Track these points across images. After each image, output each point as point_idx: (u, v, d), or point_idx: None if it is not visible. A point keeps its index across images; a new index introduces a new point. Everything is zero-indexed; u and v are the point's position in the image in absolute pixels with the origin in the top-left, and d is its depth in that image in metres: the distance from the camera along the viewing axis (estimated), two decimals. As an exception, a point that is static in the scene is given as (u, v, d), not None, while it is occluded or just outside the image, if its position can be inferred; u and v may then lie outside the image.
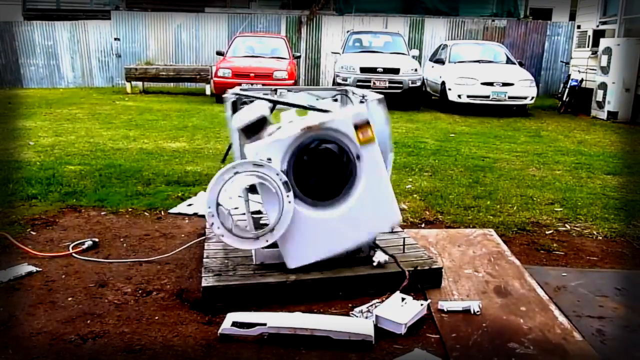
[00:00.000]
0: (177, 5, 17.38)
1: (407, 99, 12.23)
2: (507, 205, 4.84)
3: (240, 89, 3.27)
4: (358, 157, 2.98)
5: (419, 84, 12.36)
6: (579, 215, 4.64)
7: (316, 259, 2.96)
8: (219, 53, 13.93)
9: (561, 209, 4.80)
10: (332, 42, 16.68)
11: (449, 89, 11.93)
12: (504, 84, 11.67)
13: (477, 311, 2.80)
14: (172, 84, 15.58)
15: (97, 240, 3.70)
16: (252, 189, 2.96)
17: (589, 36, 12.63)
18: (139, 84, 14.60)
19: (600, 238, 4.13)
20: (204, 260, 3.11)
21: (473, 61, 12.81)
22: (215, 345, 2.49)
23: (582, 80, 12.54)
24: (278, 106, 3.24)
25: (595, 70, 11.94)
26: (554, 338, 2.60)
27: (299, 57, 15.45)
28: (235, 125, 3.01)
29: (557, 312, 2.85)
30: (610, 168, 6.62)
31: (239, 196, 3.08)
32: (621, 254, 3.84)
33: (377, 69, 12.08)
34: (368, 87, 11.62)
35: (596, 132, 9.65)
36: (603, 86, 11.44)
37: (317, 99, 3.45)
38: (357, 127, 2.96)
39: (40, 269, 3.24)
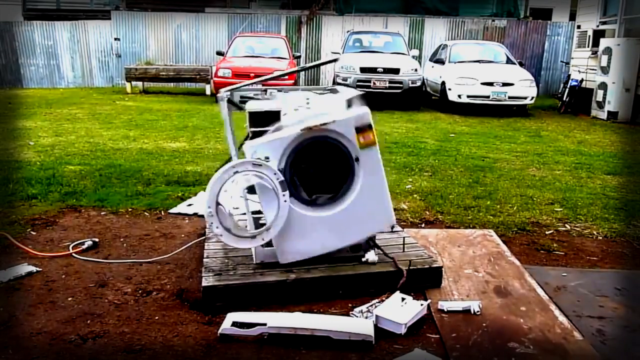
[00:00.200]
0: (177, 5, 17.39)
1: (407, 99, 12.24)
2: (507, 205, 4.84)
3: (231, 88, 3.25)
4: (357, 159, 2.99)
5: (419, 84, 12.36)
6: (579, 215, 4.64)
7: (308, 256, 2.99)
8: (219, 53, 13.93)
9: (561, 209, 4.80)
10: (332, 42, 16.68)
11: (449, 89, 11.93)
12: (504, 84, 11.67)
13: (477, 311, 2.80)
14: (172, 84, 15.58)
15: (97, 240, 3.70)
16: (252, 189, 2.96)
17: (589, 36, 12.63)
18: (139, 84, 14.60)
19: (601, 238, 4.13)
20: (204, 260, 3.11)
21: (473, 61, 12.81)
22: (215, 345, 2.49)
23: (582, 80, 12.54)
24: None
25: (595, 70, 11.94)
26: (554, 338, 2.60)
27: (299, 57, 15.45)
28: (249, 107, 3.01)
29: (557, 312, 2.85)
30: (610, 168, 6.62)
31: (240, 196, 3.08)
32: (621, 254, 3.84)
33: (377, 69, 12.08)
34: (368, 87, 11.63)
35: (596, 132, 9.65)
36: (603, 86, 11.44)
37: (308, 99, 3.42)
38: (359, 130, 2.97)
39: (40, 269, 3.24)
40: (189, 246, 3.60)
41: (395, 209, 3.49)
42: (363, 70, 12.09)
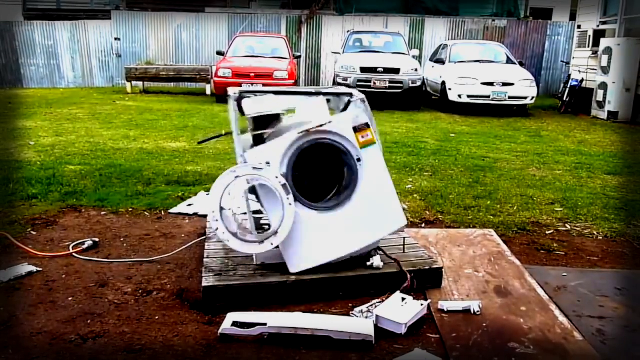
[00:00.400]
0: (178, 5, 17.39)
1: (408, 99, 12.23)
2: (508, 205, 4.84)
3: (242, 90, 3.26)
4: (359, 159, 2.98)
5: (419, 84, 12.36)
6: (579, 215, 4.64)
7: (318, 263, 2.95)
8: (219, 53, 13.93)
9: (561, 209, 4.80)
10: (332, 42, 16.68)
11: (449, 89, 11.92)
12: (505, 84, 11.67)
13: (478, 311, 2.80)
14: (172, 84, 15.58)
15: (97, 240, 3.71)
16: (252, 189, 2.96)
17: (590, 36, 12.63)
18: (140, 83, 14.60)
19: (601, 238, 4.13)
20: (205, 260, 3.11)
21: (473, 61, 12.81)
22: (215, 345, 2.49)
23: (582, 80, 12.54)
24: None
25: (595, 70, 11.94)
26: (555, 338, 2.60)
27: (299, 57, 15.45)
28: (247, 112, 3.00)
29: (557, 312, 2.85)
30: (610, 168, 6.62)
31: (242, 196, 3.08)
32: (621, 254, 3.84)
33: (378, 69, 12.08)
34: (368, 87, 11.63)
35: (596, 132, 9.65)
36: (603, 86, 11.44)
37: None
38: (357, 129, 2.97)
39: (41, 269, 3.24)
40: (189, 246, 3.60)
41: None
42: (363, 70, 12.09)
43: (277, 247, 2.90)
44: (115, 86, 16.34)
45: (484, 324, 2.70)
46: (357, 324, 2.63)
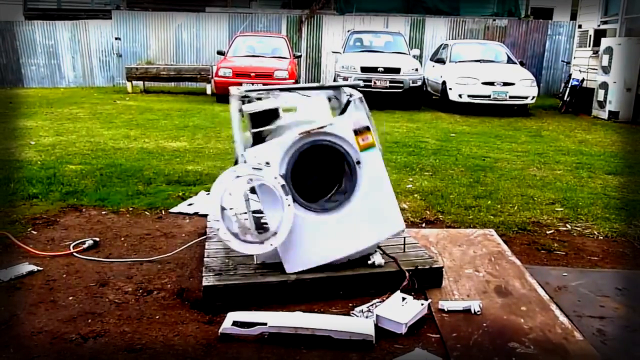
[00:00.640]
0: (178, 5, 17.39)
1: (408, 99, 12.23)
2: (508, 205, 4.83)
3: (246, 89, 3.26)
4: (358, 162, 2.98)
5: (419, 83, 12.35)
6: (579, 215, 4.64)
7: (314, 265, 2.95)
8: (219, 53, 13.93)
9: (562, 209, 4.79)
10: (332, 41, 16.68)
11: (450, 89, 11.92)
12: (505, 84, 11.66)
13: (478, 311, 2.80)
14: (172, 83, 15.58)
15: (97, 239, 3.71)
16: (252, 190, 2.96)
17: (590, 36, 12.62)
18: (140, 83, 14.60)
19: (601, 238, 4.13)
20: (205, 259, 3.11)
21: (474, 61, 12.80)
22: (215, 344, 2.49)
23: (583, 80, 12.53)
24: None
25: (596, 69, 11.93)
26: (555, 338, 2.60)
27: (300, 56, 15.44)
28: (247, 108, 3.01)
29: (557, 312, 2.85)
30: (611, 168, 6.62)
31: (242, 196, 3.08)
32: (622, 254, 3.84)
33: (378, 69, 12.08)
34: (369, 86, 11.62)
35: (597, 132, 9.64)
36: (604, 86, 11.43)
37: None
38: (357, 132, 2.97)
39: (41, 268, 3.24)
40: (190, 245, 3.60)
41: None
42: (364, 69, 12.08)
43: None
44: (116, 86, 16.34)
45: (485, 324, 2.70)
46: (358, 323, 2.63)
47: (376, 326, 2.60)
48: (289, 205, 2.82)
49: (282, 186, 2.82)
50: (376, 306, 2.75)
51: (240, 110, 3.07)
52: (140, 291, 3.00)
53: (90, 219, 4.21)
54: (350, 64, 12.32)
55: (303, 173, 2.96)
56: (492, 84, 11.64)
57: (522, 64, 12.93)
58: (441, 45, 14.50)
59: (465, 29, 17.00)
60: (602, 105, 11.52)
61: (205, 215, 4.10)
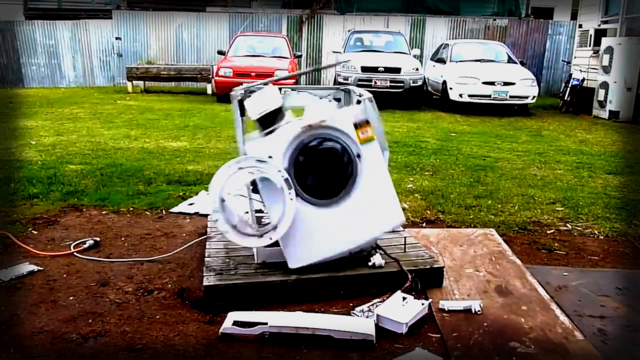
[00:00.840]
0: (178, 5, 17.39)
1: (408, 99, 12.23)
2: (508, 205, 4.83)
3: (246, 87, 3.25)
4: (358, 156, 2.99)
5: (420, 83, 12.35)
6: (580, 214, 4.64)
7: (318, 260, 2.95)
8: (220, 52, 13.93)
9: (562, 209, 4.79)
10: (333, 41, 16.68)
11: (450, 88, 11.92)
12: (506, 83, 11.66)
13: (478, 310, 2.80)
14: (173, 83, 15.58)
15: (98, 239, 3.71)
16: (254, 188, 2.96)
17: (591, 35, 12.62)
18: (140, 83, 14.61)
19: (602, 237, 4.13)
20: (206, 259, 3.11)
21: (474, 60, 12.80)
22: (216, 344, 2.49)
23: (583, 80, 12.53)
24: (287, 102, 3.24)
25: (596, 69, 11.93)
26: (555, 337, 2.60)
27: (300, 56, 15.45)
28: (251, 115, 3.01)
29: (558, 312, 2.84)
30: (611, 167, 6.62)
31: (241, 194, 3.08)
32: (622, 254, 3.84)
33: (379, 69, 12.08)
34: (369, 86, 11.62)
35: (598, 132, 9.64)
36: (605, 85, 11.43)
37: (321, 98, 3.44)
38: (357, 126, 2.97)
39: (42, 268, 3.24)
40: (190, 245, 3.60)
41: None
42: (364, 69, 12.08)
43: (277, 243, 2.89)
44: (116, 85, 16.34)
45: (485, 324, 2.70)
46: (358, 323, 2.63)
47: (377, 326, 2.60)
48: (291, 199, 2.82)
49: (286, 180, 2.81)
50: (377, 306, 2.75)
51: (242, 108, 3.07)
52: (141, 291, 3.00)
53: (91, 219, 4.21)
54: (350, 64, 12.31)
55: (304, 167, 2.95)
56: (492, 83, 11.63)
57: (522, 63, 12.92)
58: (442, 45, 14.50)
59: (466, 29, 17.00)
60: (602, 104, 11.52)
61: (206, 215, 4.10)
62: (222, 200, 2.76)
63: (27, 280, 3.09)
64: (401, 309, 2.68)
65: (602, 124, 10.78)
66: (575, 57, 13.81)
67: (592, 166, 6.62)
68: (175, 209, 4.46)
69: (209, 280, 2.84)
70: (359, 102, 3.20)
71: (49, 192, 4.79)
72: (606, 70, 11.43)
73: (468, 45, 13.97)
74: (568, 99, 12.69)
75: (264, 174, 2.80)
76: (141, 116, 9.88)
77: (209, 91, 14.25)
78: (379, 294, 2.90)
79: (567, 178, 5.96)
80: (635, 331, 2.74)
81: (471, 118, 11.02)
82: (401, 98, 12.12)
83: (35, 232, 3.89)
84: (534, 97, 11.81)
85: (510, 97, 11.68)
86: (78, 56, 16.71)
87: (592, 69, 12.27)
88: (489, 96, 11.62)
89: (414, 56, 13.23)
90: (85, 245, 3.58)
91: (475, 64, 12.59)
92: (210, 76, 14.13)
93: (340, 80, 11.96)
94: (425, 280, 3.06)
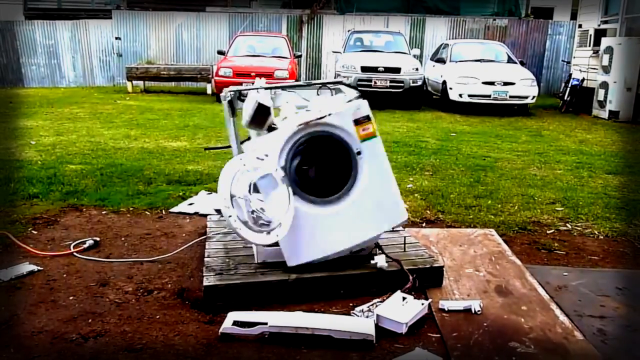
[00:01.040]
0: (178, 5, 17.39)
1: (408, 98, 12.23)
2: (508, 205, 4.83)
3: (235, 89, 3.23)
4: (359, 152, 2.96)
5: (420, 83, 12.35)
6: (580, 214, 4.64)
7: (316, 258, 2.94)
8: (220, 52, 13.92)
9: (562, 209, 4.79)
10: (333, 41, 16.68)
11: (450, 88, 11.92)
12: (505, 83, 11.65)
13: (478, 310, 2.80)
14: (173, 83, 15.58)
15: (98, 239, 3.71)
16: (254, 186, 2.95)
17: (591, 35, 12.62)
18: (140, 83, 14.61)
19: (602, 237, 4.13)
20: (206, 259, 3.11)
21: (474, 60, 12.80)
22: (216, 344, 2.49)
23: (583, 80, 12.53)
24: (277, 102, 3.23)
25: (596, 69, 11.93)
26: (555, 337, 2.60)
27: (300, 56, 15.44)
28: (243, 124, 3.00)
29: (558, 312, 2.85)
30: (611, 167, 6.62)
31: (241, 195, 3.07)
32: (622, 254, 3.84)
33: (378, 69, 12.08)
34: (369, 86, 11.63)
35: (597, 132, 9.64)
36: (604, 85, 11.43)
37: (318, 94, 3.40)
38: (357, 122, 2.94)
39: (42, 268, 3.24)
40: (190, 245, 3.60)
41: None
42: (364, 69, 12.08)
43: (276, 242, 2.88)
44: (116, 85, 16.35)
45: (485, 324, 2.70)
46: (358, 323, 2.63)
47: (377, 326, 2.60)
48: (289, 197, 2.81)
49: (282, 178, 2.80)
50: (377, 306, 2.75)
51: (233, 109, 3.07)
52: (141, 291, 3.00)
53: (91, 219, 4.21)
54: (350, 64, 12.32)
55: (303, 164, 2.93)
56: (492, 83, 11.63)
57: (522, 63, 12.92)
58: (441, 44, 14.50)
59: (466, 29, 17.00)
60: (602, 104, 11.52)
61: (206, 215, 4.10)
62: (232, 197, 2.72)
63: (27, 280, 3.09)
64: (401, 309, 2.68)
65: (602, 124, 10.78)
66: (575, 57, 13.81)
67: (592, 166, 6.62)
68: (175, 209, 4.46)
69: (209, 280, 2.84)
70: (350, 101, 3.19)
71: (48, 192, 4.79)
72: (606, 70, 11.43)
73: (468, 45, 13.97)
74: (568, 99, 12.69)
75: (263, 172, 2.79)
76: (141, 116, 9.88)
77: (209, 91, 14.24)
78: (379, 294, 2.90)
79: (567, 178, 5.96)
80: (635, 331, 2.75)
81: (471, 118, 11.02)
82: (401, 98, 12.12)
83: (35, 232, 3.89)
84: (533, 97, 11.81)
85: (510, 97, 11.68)
86: (78, 56, 16.71)
87: (592, 69, 12.27)
88: (489, 96, 11.62)
89: (414, 56, 13.22)
90: (85, 245, 3.58)
91: (475, 64, 12.59)
92: (210, 76, 14.12)
93: (341, 80, 11.94)
94: (425, 280, 3.06)
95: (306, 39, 17.02)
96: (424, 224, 4.28)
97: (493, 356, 2.44)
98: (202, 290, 2.82)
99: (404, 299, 2.78)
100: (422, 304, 2.76)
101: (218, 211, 3.65)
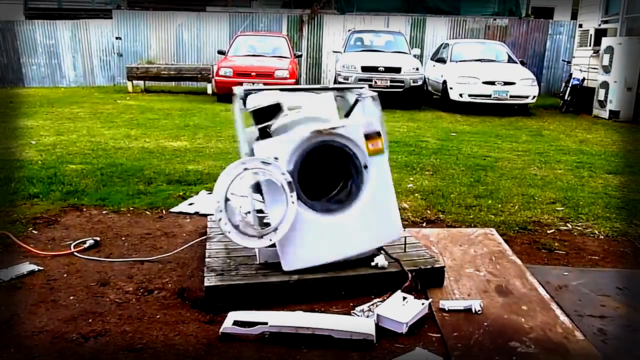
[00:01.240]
0: (179, 5, 17.40)
1: (409, 98, 12.23)
2: (509, 205, 4.83)
3: (249, 89, 3.26)
4: (365, 166, 2.98)
5: (420, 83, 12.35)
6: (580, 214, 4.64)
7: (311, 265, 2.94)
8: (220, 52, 13.93)
9: (562, 208, 4.79)
10: (333, 41, 16.68)
11: (451, 88, 11.92)
12: (506, 83, 11.66)
13: (479, 310, 2.80)
14: (173, 83, 15.58)
15: (98, 239, 3.71)
16: (257, 189, 2.96)
17: (591, 35, 12.61)
18: (141, 83, 14.61)
19: (602, 237, 4.13)
20: (206, 259, 3.10)
21: (474, 60, 12.80)
22: (216, 344, 2.49)
23: (583, 79, 12.53)
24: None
25: (597, 69, 11.93)
26: (556, 337, 2.60)
27: (300, 56, 15.44)
28: (249, 105, 3.01)
29: (558, 312, 2.84)
30: (611, 167, 6.62)
31: (243, 195, 3.08)
32: (623, 253, 3.84)
33: (379, 68, 12.08)
34: (369, 86, 11.59)
35: (598, 131, 9.64)
36: (605, 85, 11.43)
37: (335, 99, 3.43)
38: (368, 137, 2.97)
39: (42, 268, 3.24)
40: (191, 245, 3.60)
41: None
42: (364, 69, 12.08)
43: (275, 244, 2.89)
44: (117, 85, 16.35)
45: (485, 323, 2.70)
46: (358, 323, 2.63)
47: (377, 326, 2.60)
48: (292, 202, 2.81)
49: (289, 183, 2.81)
50: (377, 306, 2.75)
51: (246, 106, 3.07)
52: (141, 291, 3.00)
53: (91, 219, 4.21)
54: (351, 64, 12.32)
55: (309, 171, 2.95)
56: (492, 83, 11.63)
57: (522, 63, 12.92)
58: (442, 44, 14.50)
59: (466, 29, 17.00)
60: (602, 104, 11.52)
61: (206, 215, 4.10)
62: (226, 200, 2.75)
63: (27, 280, 3.09)
64: (401, 309, 2.68)
65: (603, 123, 10.78)
66: (575, 57, 13.81)
67: (592, 166, 6.62)
68: (175, 209, 4.46)
69: (210, 280, 2.84)
70: (357, 101, 3.20)
71: (49, 192, 4.79)
72: (606, 70, 11.43)
73: (468, 45, 13.97)
74: (568, 98, 12.69)
75: (268, 176, 2.79)
76: (141, 116, 9.88)
77: (209, 91, 14.25)
78: (380, 294, 2.90)
79: (567, 178, 5.95)
80: (635, 331, 2.74)
81: (471, 118, 11.02)
82: (401, 98, 12.12)
83: (36, 232, 3.89)
84: (534, 96, 11.81)
85: (511, 96, 11.68)
86: (78, 56, 16.72)
87: (593, 68, 12.27)
88: (489, 96, 11.62)
89: (414, 56, 13.23)
90: (86, 245, 3.58)
91: (476, 63, 12.59)
92: (211, 76, 14.12)
93: (341, 80, 11.96)
94: (426, 280, 3.06)
95: (306, 39, 17.02)
96: (424, 224, 4.28)
97: (493, 356, 2.44)
98: (203, 290, 2.82)
99: (404, 298, 2.78)
100: (423, 303, 2.76)
101: None
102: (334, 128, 2.91)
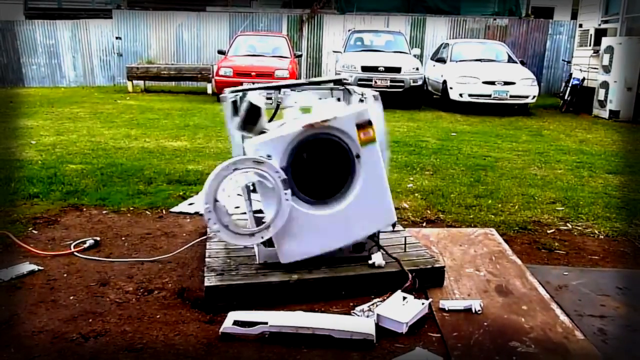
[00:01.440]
0: (179, 4, 17.41)
1: (409, 98, 12.23)
2: (509, 205, 4.83)
3: (236, 90, 3.25)
4: (358, 156, 2.98)
5: (420, 82, 12.35)
6: (580, 214, 4.64)
7: (309, 256, 2.97)
8: (220, 52, 13.93)
9: (563, 208, 4.79)
10: (333, 41, 16.68)
11: (451, 88, 11.92)
12: (506, 83, 11.66)
13: (479, 310, 2.80)
14: (173, 82, 15.59)
15: (98, 239, 3.71)
16: (254, 188, 2.96)
17: (591, 35, 12.61)
18: (141, 82, 14.61)
19: (602, 237, 4.13)
20: (206, 259, 3.10)
21: (475, 60, 12.80)
22: (216, 344, 2.49)
23: (583, 79, 12.53)
24: (285, 103, 3.25)
25: (597, 69, 11.92)
26: (556, 337, 2.60)
27: (301, 55, 15.45)
28: (236, 127, 3.02)
29: (558, 311, 2.84)
30: (612, 167, 6.62)
31: (238, 194, 3.08)
32: (623, 253, 3.84)
33: (379, 68, 12.08)
34: (369, 86, 11.62)
35: (598, 131, 9.64)
36: (605, 85, 11.42)
37: (320, 99, 3.44)
38: (359, 126, 2.96)
39: (42, 268, 3.24)
40: (191, 245, 3.60)
41: (396, 208, 3.50)
42: (364, 69, 12.09)
43: (270, 239, 2.90)
44: (117, 85, 16.35)
45: (485, 323, 2.70)
46: (358, 323, 2.63)
47: (377, 325, 2.60)
48: (286, 199, 2.82)
49: (283, 180, 2.81)
50: (377, 305, 2.75)
51: (235, 110, 3.07)
52: (141, 291, 3.00)
53: (91, 219, 4.21)
54: (351, 63, 12.33)
55: (302, 165, 2.94)
56: (492, 83, 11.64)
57: (522, 63, 12.93)
58: (442, 44, 14.50)
59: (466, 28, 17.00)
60: (602, 104, 11.52)
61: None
62: (216, 201, 2.75)
63: (27, 280, 3.09)
64: (401, 309, 2.68)
65: (603, 123, 10.78)
66: (575, 57, 13.81)
67: (592, 166, 6.62)
68: (175, 209, 4.46)
69: (210, 280, 2.84)
70: (361, 101, 3.20)
71: (49, 192, 4.79)
72: (606, 69, 11.43)
73: (468, 44, 13.97)
74: (568, 98, 12.69)
75: (261, 175, 2.79)
76: (141, 116, 9.88)
77: (209, 91, 14.25)
78: (380, 294, 2.90)
79: (567, 178, 5.95)
80: (635, 331, 2.74)
81: (471, 118, 11.02)
82: (401, 98, 12.12)
83: (36, 232, 3.89)
84: (534, 96, 11.81)
85: (511, 96, 11.68)
86: (78, 56, 16.72)
87: (593, 68, 12.27)
88: (489, 96, 11.62)
89: (414, 56, 13.23)
90: (86, 245, 3.58)
91: (476, 63, 12.59)
92: (211, 76, 14.13)
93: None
94: (426, 280, 3.06)
95: (306, 39, 17.02)
96: (424, 224, 4.28)
97: (493, 356, 2.44)
98: (203, 290, 2.82)
99: (404, 298, 2.78)
100: (423, 303, 2.76)
101: None
102: (326, 120, 2.91)
